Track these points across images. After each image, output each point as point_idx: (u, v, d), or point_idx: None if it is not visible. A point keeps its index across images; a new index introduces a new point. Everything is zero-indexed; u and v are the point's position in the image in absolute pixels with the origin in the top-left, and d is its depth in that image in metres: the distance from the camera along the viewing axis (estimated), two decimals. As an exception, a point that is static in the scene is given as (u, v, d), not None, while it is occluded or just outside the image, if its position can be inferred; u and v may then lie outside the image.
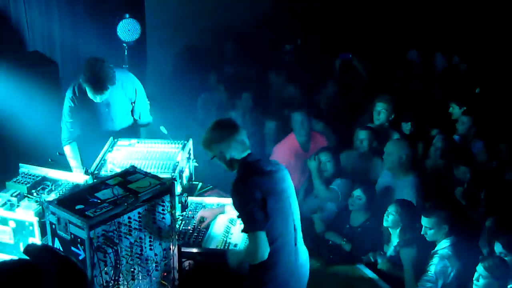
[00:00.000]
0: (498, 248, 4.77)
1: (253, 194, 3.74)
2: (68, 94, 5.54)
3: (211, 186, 5.62)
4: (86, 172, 4.69)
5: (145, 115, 5.88)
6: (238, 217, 3.89)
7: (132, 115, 5.84)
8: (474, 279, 4.56)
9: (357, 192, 5.86)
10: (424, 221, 5.11)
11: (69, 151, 5.62)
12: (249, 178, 3.82)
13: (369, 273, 5.38)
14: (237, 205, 3.85)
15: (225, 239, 4.46)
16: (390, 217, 5.39)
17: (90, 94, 5.29)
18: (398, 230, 5.40)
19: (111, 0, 7.25)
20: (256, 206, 3.74)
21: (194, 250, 4.29)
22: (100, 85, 5.22)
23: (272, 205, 3.80)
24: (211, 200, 5.03)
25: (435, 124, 7.21)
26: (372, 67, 8.45)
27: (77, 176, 4.70)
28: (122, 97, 5.65)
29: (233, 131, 3.92)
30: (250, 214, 3.74)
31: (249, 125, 7.50)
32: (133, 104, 5.76)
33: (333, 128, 7.56)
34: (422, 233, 5.15)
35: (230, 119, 4.14)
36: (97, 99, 5.33)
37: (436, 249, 5.10)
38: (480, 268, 4.54)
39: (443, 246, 5.08)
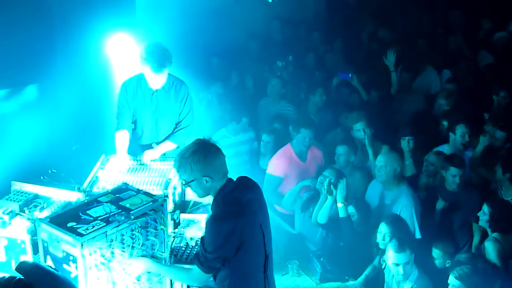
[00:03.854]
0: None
1: (228, 244, 3.65)
2: (123, 84, 5.71)
3: (203, 203, 5.61)
4: (78, 189, 4.69)
5: (187, 119, 5.83)
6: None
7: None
8: None
9: (350, 209, 5.89)
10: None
11: (117, 138, 5.66)
12: (229, 220, 3.65)
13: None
14: (205, 241, 3.70)
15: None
16: (386, 239, 5.44)
17: (150, 72, 5.36)
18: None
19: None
20: (220, 258, 3.69)
21: (187, 266, 4.28)
22: (162, 58, 5.31)
23: (245, 243, 3.71)
24: (203, 217, 5.02)
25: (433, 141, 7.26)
26: (370, 86, 8.50)
27: (69, 194, 4.69)
28: (171, 103, 5.70)
29: (217, 154, 3.77)
30: (210, 259, 3.68)
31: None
32: (179, 114, 5.77)
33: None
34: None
35: (210, 141, 3.84)
36: (156, 80, 5.42)
37: None
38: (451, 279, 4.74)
39: None
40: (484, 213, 5.60)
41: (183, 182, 3.79)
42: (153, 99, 5.66)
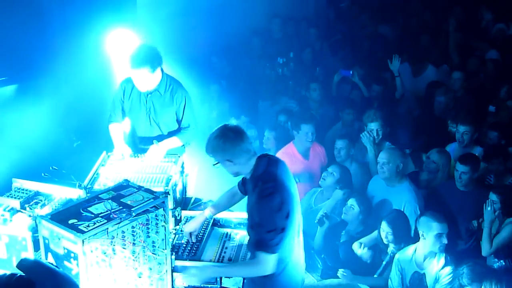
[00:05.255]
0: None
1: (281, 215, 3.87)
2: (121, 83, 5.75)
3: (204, 200, 5.62)
4: (79, 186, 4.69)
5: (187, 120, 5.82)
6: (253, 231, 3.95)
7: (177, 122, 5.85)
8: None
9: (351, 202, 5.91)
10: None
11: (111, 130, 5.74)
12: (275, 194, 3.88)
13: (363, 287, 5.40)
14: (262, 222, 3.86)
15: (219, 252, 4.44)
16: (389, 237, 5.46)
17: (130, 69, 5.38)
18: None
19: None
20: (280, 232, 3.86)
21: (188, 263, 4.28)
22: (141, 56, 5.32)
23: (290, 212, 3.95)
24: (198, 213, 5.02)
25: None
26: (371, 82, 8.50)
27: (70, 191, 4.69)
28: (167, 106, 5.67)
29: (239, 139, 3.96)
30: (273, 237, 3.84)
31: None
32: (178, 115, 5.75)
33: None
34: None
35: (237, 126, 4.08)
36: (136, 78, 5.43)
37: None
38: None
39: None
40: (494, 202, 5.55)
41: (215, 163, 4.08)
42: (147, 100, 5.64)
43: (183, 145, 5.74)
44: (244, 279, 4.25)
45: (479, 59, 8.81)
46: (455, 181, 6.13)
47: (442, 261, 5.19)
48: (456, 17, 10.06)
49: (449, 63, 9.07)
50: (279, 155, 6.90)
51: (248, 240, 4.22)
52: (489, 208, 5.52)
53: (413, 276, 5.26)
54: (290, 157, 6.81)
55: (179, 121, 5.73)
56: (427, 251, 5.22)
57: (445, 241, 5.17)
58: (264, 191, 3.89)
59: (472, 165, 6.06)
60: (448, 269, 5.12)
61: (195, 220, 4.59)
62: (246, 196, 4.42)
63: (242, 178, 4.45)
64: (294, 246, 4.12)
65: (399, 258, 5.37)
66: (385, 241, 5.55)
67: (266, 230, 3.84)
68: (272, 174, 3.99)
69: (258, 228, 3.88)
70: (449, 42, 9.18)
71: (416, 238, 5.39)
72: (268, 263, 3.89)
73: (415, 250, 5.31)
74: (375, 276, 5.58)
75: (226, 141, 3.93)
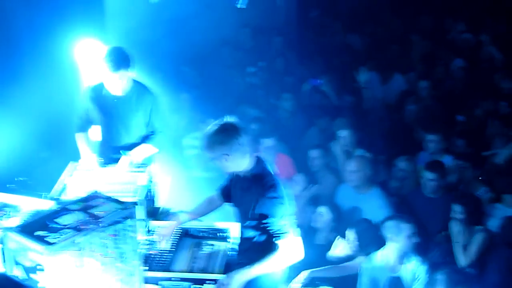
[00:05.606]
0: None
1: (289, 200, 4.11)
2: (85, 90, 5.72)
3: (174, 209, 5.58)
4: (46, 197, 4.62)
5: (156, 123, 5.75)
6: (267, 224, 4.00)
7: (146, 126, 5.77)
8: None
9: (321, 209, 5.93)
10: None
11: (78, 140, 5.70)
12: (276, 185, 4.07)
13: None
14: (276, 212, 3.98)
15: (190, 262, 4.41)
16: (353, 244, 5.49)
17: (109, 72, 5.33)
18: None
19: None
20: (290, 215, 4.06)
21: (159, 274, 4.24)
22: (120, 58, 5.31)
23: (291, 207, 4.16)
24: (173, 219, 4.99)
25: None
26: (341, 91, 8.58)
27: (38, 202, 4.62)
28: (133, 110, 5.61)
29: (238, 133, 4.05)
30: (285, 223, 4.00)
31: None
32: (145, 118, 5.68)
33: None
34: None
35: (234, 121, 4.16)
36: (114, 82, 5.40)
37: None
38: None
39: None
40: (460, 213, 5.58)
41: (212, 158, 4.12)
42: (114, 105, 5.58)
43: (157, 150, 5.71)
44: None
45: (445, 68, 8.98)
46: (423, 188, 6.20)
47: (414, 260, 5.23)
48: (423, 26, 10.26)
49: (416, 71, 9.21)
50: None
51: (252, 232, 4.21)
52: (453, 219, 5.58)
53: (387, 282, 5.29)
54: None
55: (147, 125, 5.69)
56: (399, 253, 5.24)
57: (415, 239, 5.25)
58: (266, 184, 4.05)
59: (439, 172, 6.14)
60: (423, 267, 5.17)
61: (168, 226, 4.57)
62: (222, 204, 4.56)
63: (223, 185, 4.55)
64: None
65: (367, 267, 5.37)
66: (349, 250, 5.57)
67: (281, 218, 3.98)
68: (267, 170, 4.18)
69: (272, 219, 3.98)
70: (414, 51, 9.33)
71: (380, 246, 5.44)
72: (291, 245, 4.03)
73: (384, 255, 5.33)
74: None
75: (228, 134, 4.03)
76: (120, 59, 5.32)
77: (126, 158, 5.37)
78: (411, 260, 5.25)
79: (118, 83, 5.42)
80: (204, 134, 4.11)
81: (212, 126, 4.11)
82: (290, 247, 4.04)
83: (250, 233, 4.19)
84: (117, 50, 5.39)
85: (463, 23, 10.14)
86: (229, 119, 4.16)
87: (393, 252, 5.27)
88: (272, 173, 4.19)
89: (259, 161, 4.20)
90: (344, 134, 6.87)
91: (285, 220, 4.02)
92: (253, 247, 4.19)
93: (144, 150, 5.56)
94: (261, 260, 4.04)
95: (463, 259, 5.47)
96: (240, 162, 4.10)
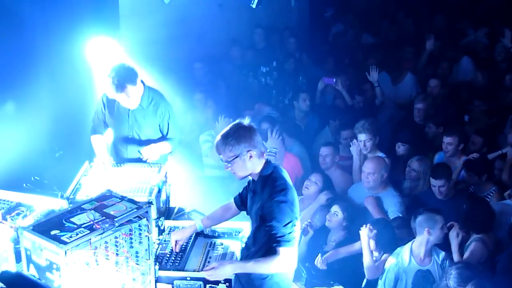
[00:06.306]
0: None
1: (296, 208, 4.04)
2: (103, 95, 5.72)
3: (188, 210, 5.60)
4: (62, 197, 4.65)
5: (172, 133, 5.81)
6: (270, 227, 3.95)
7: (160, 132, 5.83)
8: None
9: (335, 208, 5.93)
10: None
11: (93, 141, 5.77)
12: (287, 190, 4.03)
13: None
14: (280, 218, 3.93)
15: (203, 262, 4.42)
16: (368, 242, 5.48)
17: (113, 93, 5.37)
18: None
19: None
20: (293, 223, 3.97)
21: (173, 274, 4.26)
22: (121, 79, 5.29)
23: (298, 215, 4.13)
24: (188, 224, 5.00)
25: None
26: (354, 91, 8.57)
27: (53, 201, 4.65)
28: (150, 119, 5.67)
29: (256, 132, 4.06)
30: (290, 231, 3.95)
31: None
32: (161, 128, 5.75)
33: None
34: None
35: (249, 123, 4.11)
36: (121, 100, 5.45)
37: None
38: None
39: None
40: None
41: (227, 161, 4.02)
42: (130, 114, 5.63)
43: (170, 152, 5.74)
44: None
45: (448, 65, 8.95)
46: (434, 193, 6.17)
47: (442, 252, 5.29)
48: (437, 27, 10.20)
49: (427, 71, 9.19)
50: None
51: (254, 239, 4.26)
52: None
53: (416, 275, 5.27)
54: None
55: (163, 134, 5.74)
56: (430, 246, 5.27)
57: (446, 230, 5.30)
58: (277, 187, 4.00)
59: (445, 177, 6.10)
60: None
61: (184, 230, 4.56)
62: (240, 212, 4.52)
63: (240, 193, 4.50)
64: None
65: (395, 263, 5.33)
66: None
67: (284, 224, 3.92)
68: (279, 173, 4.12)
69: (276, 223, 3.93)
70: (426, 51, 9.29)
71: (395, 245, 5.42)
72: (290, 257, 3.98)
73: (411, 250, 5.31)
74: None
75: (248, 132, 4.00)
76: (123, 79, 5.30)
77: (145, 152, 5.44)
78: (440, 253, 5.29)
79: (128, 100, 5.44)
80: (224, 134, 4.03)
81: (231, 126, 4.06)
82: (288, 256, 3.98)
83: (260, 238, 4.16)
84: (119, 70, 5.34)
85: (478, 24, 10.06)
86: (245, 120, 4.12)
87: (425, 245, 5.27)
88: (285, 177, 4.14)
89: (270, 165, 4.16)
90: (362, 137, 6.81)
91: (289, 228, 3.95)
92: (260, 253, 4.15)
93: (158, 147, 5.58)
94: (257, 259, 4.06)
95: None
96: (258, 163, 4.08)
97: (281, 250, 3.94)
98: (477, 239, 5.49)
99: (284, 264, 4.01)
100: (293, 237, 3.98)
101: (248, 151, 3.99)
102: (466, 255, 5.40)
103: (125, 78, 5.30)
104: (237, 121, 4.11)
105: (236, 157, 4.00)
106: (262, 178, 4.12)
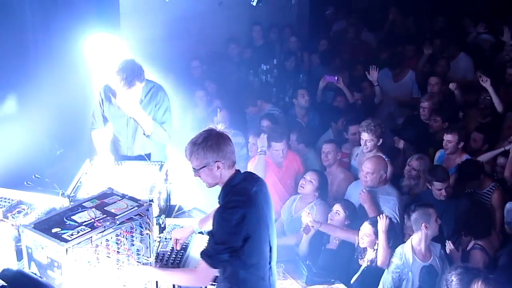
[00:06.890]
0: None
1: (237, 233, 3.68)
2: (102, 88, 5.73)
3: (189, 208, 5.60)
4: (63, 195, 4.65)
5: (162, 117, 5.73)
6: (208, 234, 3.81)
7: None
8: None
9: (337, 207, 5.93)
10: None
11: (94, 137, 5.78)
12: (238, 209, 3.69)
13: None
14: (215, 232, 3.72)
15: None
16: (365, 239, 5.47)
17: (123, 88, 5.31)
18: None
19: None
20: (228, 249, 3.67)
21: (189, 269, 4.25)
22: (132, 75, 5.27)
23: (252, 234, 3.73)
24: (188, 222, 5.00)
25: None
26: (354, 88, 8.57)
27: (54, 199, 4.66)
28: (147, 108, 5.63)
29: (227, 141, 3.82)
30: (219, 251, 3.66)
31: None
32: (157, 117, 5.69)
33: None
34: None
35: (221, 131, 3.87)
36: (128, 95, 5.38)
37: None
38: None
39: None
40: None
41: (195, 169, 3.82)
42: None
43: (148, 135, 5.66)
44: None
45: (446, 62, 8.95)
46: (434, 195, 6.17)
47: (437, 245, 5.37)
48: (438, 25, 10.20)
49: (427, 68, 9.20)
50: (252, 161, 6.91)
51: None
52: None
53: (422, 272, 5.28)
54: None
55: (155, 119, 5.69)
56: (429, 240, 5.31)
57: (439, 221, 5.33)
58: (229, 203, 3.74)
59: (442, 180, 6.10)
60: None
61: (183, 230, 4.52)
62: None
63: None
64: (260, 273, 3.90)
65: (400, 263, 5.31)
66: (361, 244, 5.56)
67: (215, 242, 3.68)
68: (245, 189, 3.82)
69: (211, 237, 3.74)
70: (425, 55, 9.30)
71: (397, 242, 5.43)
72: (206, 275, 3.76)
73: (412, 248, 5.32)
74: (351, 282, 5.59)
75: (217, 141, 3.76)
76: (134, 75, 5.30)
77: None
78: (436, 246, 5.36)
79: (131, 96, 5.43)
80: (192, 141, 3.81)
81: (200, 134, 3.84)
82: (206, 275, 3.76)
83: None
84: (129, 65, 5.33)
85: (482, 23, 10.05)
86: (218, 126, 3.90)
87: (424, 240, 5.30)
88: (250, 194, 3.81)
89: (238, 176, 3.89)
90: (364, 136, 6.79)
91: (221, 250, 3.66)
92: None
93: (156, 127, 5.59)
94: (175, 269, 4.00)
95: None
96: (226, 173, 3.83)
97: (202, 265, 3.73)
98: (477, 247, 5.51)
99: (198, 279, 3.83)
100: (220, 260, 3.69)
101: (216, 161, 3.75)
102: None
103: (134, 74, 5.31)
104: (209, 127, 3.90)
105: (204, 166, 3.78)
106: (227, 187, 3.85)
